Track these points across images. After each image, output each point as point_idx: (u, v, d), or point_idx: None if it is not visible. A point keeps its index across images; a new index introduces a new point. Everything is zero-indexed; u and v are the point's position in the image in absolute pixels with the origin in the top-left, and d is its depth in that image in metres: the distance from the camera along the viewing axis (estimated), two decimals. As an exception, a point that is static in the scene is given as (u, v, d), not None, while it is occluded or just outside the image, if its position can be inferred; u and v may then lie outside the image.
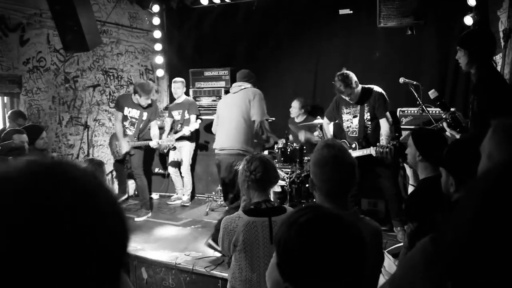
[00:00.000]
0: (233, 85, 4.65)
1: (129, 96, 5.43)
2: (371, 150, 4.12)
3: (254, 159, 2.47)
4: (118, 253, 0.59)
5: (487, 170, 0.74)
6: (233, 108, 4.44)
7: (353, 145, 4.43)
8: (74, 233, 0.53)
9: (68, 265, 0.52)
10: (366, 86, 4.41)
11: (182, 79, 6.04)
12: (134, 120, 5.39)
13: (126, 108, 5.37)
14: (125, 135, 5.38)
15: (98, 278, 0.55)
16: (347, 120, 4.52)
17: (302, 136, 5.63)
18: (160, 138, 5.50)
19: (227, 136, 4.40)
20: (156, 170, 6.48)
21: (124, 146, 5.35)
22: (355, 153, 4.36)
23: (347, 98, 4.38)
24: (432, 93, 3.36)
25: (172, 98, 6.64)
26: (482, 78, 2.88)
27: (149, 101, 5.30)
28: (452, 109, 3.16)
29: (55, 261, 0.51)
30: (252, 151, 4.19)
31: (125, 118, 5.40)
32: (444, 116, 3.10)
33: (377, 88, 4.38)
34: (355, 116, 4.44)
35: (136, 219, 5.33)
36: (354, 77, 4.28)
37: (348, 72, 4.32)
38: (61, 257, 0.52)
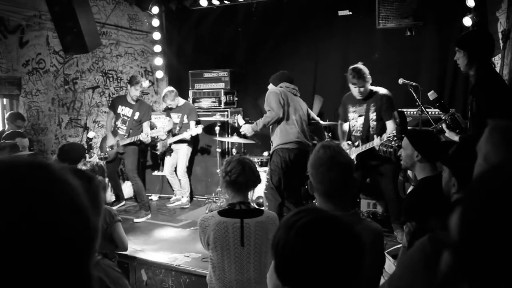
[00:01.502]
0: (291, 86, 4.67)
1: (124, 96, 5.56)
2: (375, 142, 4.12)
3: (233, 160, 2.45)
4: (78, 249, 0.60)
5: (487, 171, 0.74)
6: (300, 111, 4.59)
7: (356, 143, 4.43)
8: (28, 229, 0.54)
9: (24, 262, 0.53)
10: (373, 87, 4.38)
11: (170, 89, 5.94)
12: (126, 118, 5.46)
13: (119, 107, 5.48)
14: (116, 134, 5.48)
15: (55, 275, 0.56)
16: (353, 119, 4.50)
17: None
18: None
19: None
20: (155, 173, 6.48)
21: (110, 141, 5.45)
22: (358, 150, 4.36)
23: (356, 92, 4.31)
24: (431, 94, 3.36)
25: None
26: (481, 79, 2.88)
27: (138, 93, 5.41)
28: (451, 110, 3.16)
29: (11, 258, 0.53)
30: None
31: (117, 116, 5.49)
32: (443, 118, 3.10)
33: (384, 90, 4.35)
34: (360, 115, 4.42)
35: (136, 220, 5.34)
36: (367, 72, 4.25)
37: (362, 66, 4.30)
38: (17, 253, 0.53)
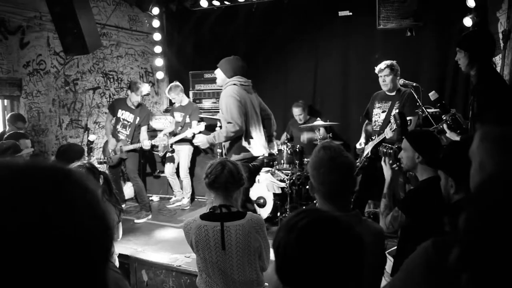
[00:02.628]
0: (245, 80, 4.15)
1: (124, 100, 5.54)
2: (386, 132, 4.07)
3: (215, 162, 2.41)
4: (96, 253, 0.60)
5: (486, 181, 0.79)
6: (256, 116, 4.11)
7: (373, 137, 4.42)
8: (47, 233, 0.54)
9: (40, 265, 0.53)
10: (402, 87, 4.38)
11: (176, 83, 5.94)
12: (126, 122, 5.47)
13: (119, 111, 5.47)
14: (118, 140, 5.47)
15: (73, 277, 0.56)
16: (376, 114, 4.50)
17: (304, 137, 5.64)
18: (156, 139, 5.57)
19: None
20: (156, 173, 6.49)
21: (112, 144, 5.46)
22: (372, 144, 4.35)
23: (383, 84, 4.32)
24: (432, 95, 3.36)
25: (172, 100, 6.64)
26: (482, 79, 2.88)
27: (139, 99, 5.41)
28: (452, 111, 3.16)
29: (30, 260, 0.52)
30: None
31: (117, 120, 5.50)
32: (444, 118, 3.10)
33: (408, 90, 4.33)
34: (383, 111, 4.41)
35: (136, 221, 5.34)
36: (398, 68, 4.31)
37: (395, 62, 4.34)
38: (36, 255, 0.53)
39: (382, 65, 4.32)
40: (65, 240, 0.55)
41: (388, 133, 4.08)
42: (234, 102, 3.90)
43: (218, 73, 4.18)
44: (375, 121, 4.52)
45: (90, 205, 0.61)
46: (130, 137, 5.45)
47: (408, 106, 4.25)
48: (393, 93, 4.36)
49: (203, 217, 2.39)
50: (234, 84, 4.04)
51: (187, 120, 5.91)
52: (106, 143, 5.70)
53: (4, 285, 0.51)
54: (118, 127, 5.49)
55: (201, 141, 4.14)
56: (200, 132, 5.82)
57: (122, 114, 5.48)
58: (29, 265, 0.52)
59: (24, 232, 0.53)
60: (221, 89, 4.07)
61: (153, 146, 5.98)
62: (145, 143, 5.35)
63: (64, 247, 0.55)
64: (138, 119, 5.47)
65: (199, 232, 2.34)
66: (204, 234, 2.33)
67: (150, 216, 5.47)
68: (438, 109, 3.60)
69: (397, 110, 4.27)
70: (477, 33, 3.48)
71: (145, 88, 5.48)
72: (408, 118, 4.18)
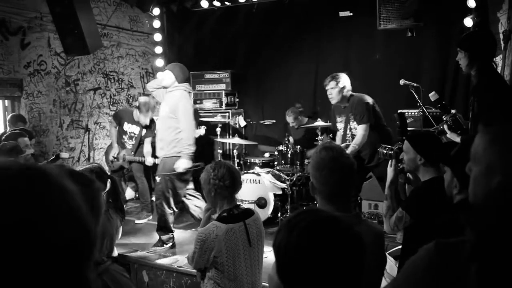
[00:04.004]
0: (190, 89, 4.52)
1: (130, 112, 5.51)
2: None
3: (220, 166, 2.45)
4: (75, 255, 0.59)
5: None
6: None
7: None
8: (22, 236, 0.54)
9: (19, 269, 0.53)
10: (355, 94, 4.42)
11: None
12: (133, 135, 5.49)
13: (126, 124, 5.47)
14: (123, 147, 5.49)
15: (51, 280, 0.56)
16: (340, 129, 4.61)
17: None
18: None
19: None
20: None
21: (115, 150, 5.45)
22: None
23: (330, 98, 4.41)
24: (432, 96, 3.35)
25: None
26: (482, 79, 2.87)
27: (147, 121, 5.35)
28: (452, 111, 3.15)
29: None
30: None
31: (124, 132, 5.50)
32: (445, 119, 3.10)
33: (359, 96, 4.38)
34: (341, 122, 4.54)
35: (137, 221, 5.35)
36: (344, 80, 4.32)
37: (341, 74, 4.38)
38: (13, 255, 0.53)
39: (327, 78, 4.36)
40: (41, 244, 0.55)
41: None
42: (191, 108, 4.21)
43: (169, 75, 4.23)
44: (341, 135, 4.60)
45: (68, 207, 0.60)
46: (135, 148, 5.49)
47: (355, 115, 4.31)
48: (346, 104, 4.40)
49: (224, 221, 2.37)
50: (185, 90, 4.26)
51: None
52: (110, 146, 5.71)
53: None
54: (125, 138, 5.51)
55: (183, 163, 4.09)
56: (200, 136, 5.82)
57: (129, 128, 5.49)
58: (3, 269, 0.52)
59: (5, 235, 0.52)
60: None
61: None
62: (149, 160, 5.33)
63: (40, 250, 0.54)
64: (144, 131, 5.49)
65: (228, 236, 2.33)
66: (233, 236, 2.35)
67: (151, 217, 5.46)
68: (438, 110, 3.59)
69: (351, 122, 4.39)
70: (478, 33, 3.47)
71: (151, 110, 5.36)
72: (358, 127, 4.23)
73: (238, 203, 2.52)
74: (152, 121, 5.45)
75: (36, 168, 0.62)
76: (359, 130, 4.27)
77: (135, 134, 5.49)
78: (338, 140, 4.69)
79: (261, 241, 2.50)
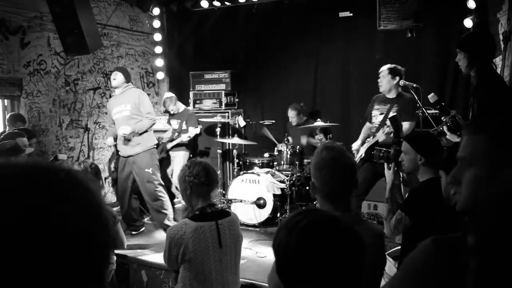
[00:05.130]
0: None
1: None
2: (378, 136, 4.13)
3: (195, 164, 2.43)
4: (96, 254, 0.60)
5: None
6: None
7: (369, 139, 4.43)
8: (47, 232, 0.55)
9: (42, 263, 0.54)
10: (404, 92, 4.41)
11: (169, 95, 6.09)
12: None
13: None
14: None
15: (72, 277, 0.56)
16: (374, 116, 4.52)
17: (304, 140, 5.65)
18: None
19: None
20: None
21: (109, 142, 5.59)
22: (366, 145, 4.36)
23: (379, 84, 4.40)
24: (431, 97, 3.35)
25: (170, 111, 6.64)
26: (482, 80, 2.88)
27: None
28: (452, 112, 3.15)
29: (31, 258, 0.53)
30: None
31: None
32: (444, 120, 3.10)
33: (409, 94, 4.36)
34: (381, 113, 4.43)
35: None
36: (400, 71, 4.34)
37: (398, 67, 4.38)
38: (36, 255, 0.53)
39: (384, 66, 4.38)
40: (65, 239, 0.56)
41: (380, 136, 4.08)
42: (147, 97, 4.96)
43: (119, 76, 4.82)
44: (373, 122, 4.53)
45: (91, 206, 0.62)
46: None
47: (406, 110, 4.25)
48: (393, 96, 4.37)
49: (195, 218, 2.34)
50: (133, 88, 4.97)
51: (184, 126, 5.92)
52: (111, 157, 5.91)
53: (2, 282, 0.51)
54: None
55: (125, 129, 4.62)
56: (197, 135, 5.85)
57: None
58: (28, 263, 0.53)
59: (23, 229, 0.53)
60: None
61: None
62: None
63: (64, 246, 0.55)
64: None
65: (196, 234, 2.28)
66: (202, 235, 2.29)
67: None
68: (437, 111, 3.59)
69: (394, 114, 4.29)
70: (477, 34, 3.47)
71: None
72: (404, 122, 4.20)
73: (215, 202, 2.50)
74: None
75: (59, 166, 0.64)
76: (407, 125, 4.21)
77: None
78: (364, 132, 4.63)
79: (236, 244, 2.43)
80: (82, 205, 0.60)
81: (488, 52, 2.92)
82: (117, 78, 4.77)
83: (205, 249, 2.29)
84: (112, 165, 5.65)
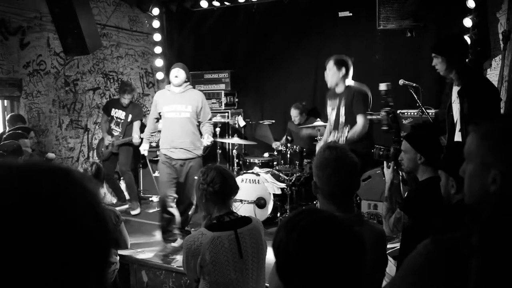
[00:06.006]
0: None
1: (117, 100, 5.86)
2: (337, 137, 3.94)
3: (210, 169, 2.27)
4: (94, 254, 0.61)
5: None
6: None
7: (320, 137, 4.40)
8: (46, 230, 0.55)
9: (41, 260, 0.54)
10: (353, 84, 4.26)
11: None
12: (119, 120, 5.78)
13: (112, 109, 5.79)
14: (112, 135, 5.78)
15: (73, 277, 0.57)
16: (328, 113, 4.44)
17: (304, 132, 5.65)
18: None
19: None
20: (155, 174, 6.48)
21: (106, 140, 5.75)
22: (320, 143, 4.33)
23: (325, 79, 4.29)
24: (384, 86, 3.42)
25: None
26: (471, 80, 2.99)
27: (127, 101, 5.68)
28: (388, 108, 3.22)
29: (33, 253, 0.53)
30: None
31: (112, 119, 5.81)
32: (383, 113, 3.18)
33: (360, 86, 4.24)
34: (333, 109, 4.34)
35: (132, 212, 5.69)
36: (346, 62, 4.17)
37: (345, 57, 4.22)
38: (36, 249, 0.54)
39: (330, 58, 4.21)
40: (64, 240, 0.56)
41: (340, 139, 3.88)
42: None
43: (182, 74, 4.57)
44: (328, 119, 4.47)
45: (89, 205, 0.62)
46: (122, 133, 5.73)
47: (355, 103, 4.11)
48: (341, 90, 4.23)
49: (212, 228, 2.19)
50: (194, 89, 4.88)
51: None
52: (101, 140, 5.96)
53: (2, 283, 0.52)
54: (113, 125, 5.80)
55: (210, 138, 4.38)
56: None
57: (116, 112, 5.78)
58: (27, 263, 0.53)
59: (23, 229, 0.54)
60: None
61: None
62: (135, 137, 5.53)
63: (63, 247, 0.56)
64: (130, 116, 5.73)
65: (213, 245, 2.13)
66: (220, 246, 2.14)
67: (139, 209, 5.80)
68: (431, 109, 3.61)
69: (343, 107, 4.19)
70: (451, 37, 3.60)
71: (128, 95, 5.72)
72: (357, 116, 4.09)
73: (233, 209, 2.32)
74: (135, 105, 5.89)
75: (60, 167, 0.65)
76: (360, 118, 4.07)
77: (121, 119, 5.75)
78: (325, 134, 4.51)
79: (260, 253, 2.27)
80: (80, 204, 0.60)
81: (464, 53, 3.08)
82: (179, 75, 4.44)
83: (224, 260, 2.15)
84: (101, 148, 5.80)
